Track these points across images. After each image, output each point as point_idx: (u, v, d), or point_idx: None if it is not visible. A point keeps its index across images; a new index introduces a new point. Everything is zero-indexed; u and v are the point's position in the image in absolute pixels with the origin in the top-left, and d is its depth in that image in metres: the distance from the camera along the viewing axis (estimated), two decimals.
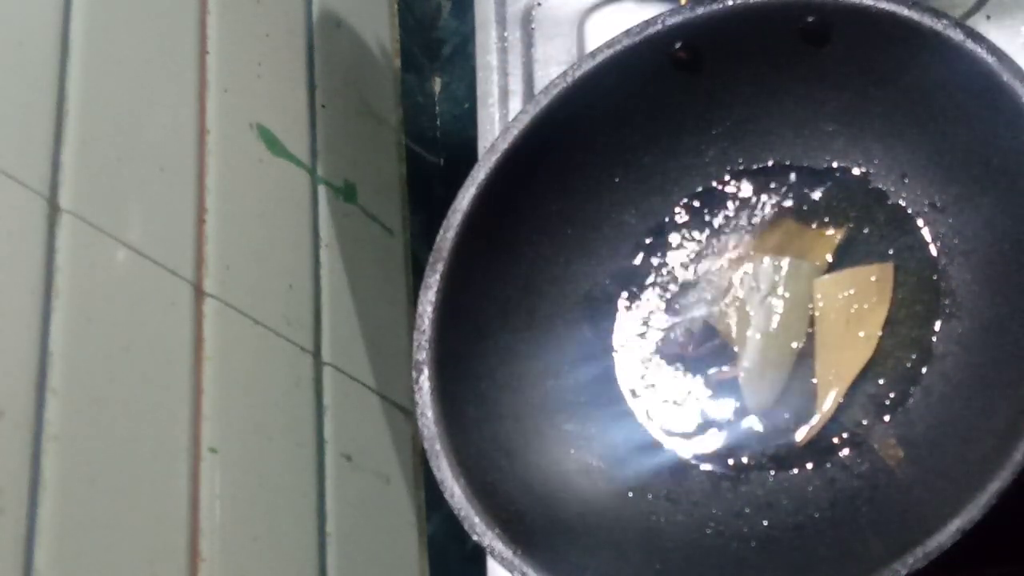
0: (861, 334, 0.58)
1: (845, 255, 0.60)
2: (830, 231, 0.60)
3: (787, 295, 0.60)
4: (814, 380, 0.58)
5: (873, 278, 0.59)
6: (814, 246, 0.60)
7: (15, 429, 0.47)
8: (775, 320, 0.60)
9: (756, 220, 0.62)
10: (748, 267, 0.61)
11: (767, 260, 0.61)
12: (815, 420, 0.57)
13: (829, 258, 0.60)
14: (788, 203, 0.62)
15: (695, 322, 0.62)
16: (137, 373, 0.53)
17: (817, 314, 0.59)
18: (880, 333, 0.58)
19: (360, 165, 0.75)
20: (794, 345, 0.59)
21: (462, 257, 0.59)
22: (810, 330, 0.59)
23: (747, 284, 0.61)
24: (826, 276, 0.60)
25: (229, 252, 0.61)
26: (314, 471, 0.63)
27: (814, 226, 0.61)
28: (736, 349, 0.60)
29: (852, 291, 0.59)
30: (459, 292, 0.59)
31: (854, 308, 0.58)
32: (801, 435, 0.57)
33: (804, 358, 0.59)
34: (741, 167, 0.63)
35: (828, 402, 0.57)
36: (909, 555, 0.46)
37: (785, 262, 0.60)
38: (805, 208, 0.62)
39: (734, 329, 0.61)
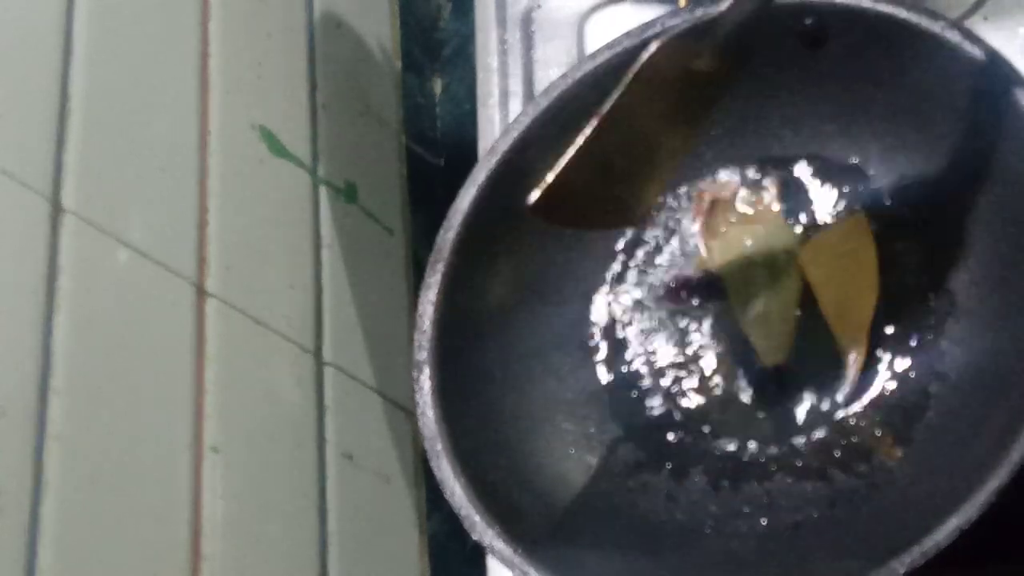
0: (860, 283, 0.58)
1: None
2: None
3: (768, 257, 0.61)
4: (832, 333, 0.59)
5: (849, 231, 0.59)
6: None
7: (17, 428, 0.47)
8: (767, 282, 0.60)
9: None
10: (726, 241, 0.62)
11: (734, 235, 0.62)
12: (852, 373, 0.57)
13: (776, 207, 0.60)
14: (788, 202, 0.62)
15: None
16: (139, 373, 0.53)
17: (812, 280, 0.60)
18: (877, 276, 0.58)
19: (361, 165, 0.75)
20: (794, 297, 0.59)
21: (462, 257, 0.59)
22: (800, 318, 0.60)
23: (723, 259, 0.62)
24: (806, 244, 0.60)
25: (230, 252, 0.61)
26: (315, 471, 0.63)
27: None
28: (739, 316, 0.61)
29: (835, 248, 0.59)
30: (459, 292, 0.59)
31: (844, 262, 0.59)
32: (843, 393, 0.58)
33: (817, 325, 0.59)
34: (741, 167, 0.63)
35: (858, 351, 0.57)
36: (907, 554, 0.47)
37: (754, 230, 0.61)
38: (804, 207, 0.62)
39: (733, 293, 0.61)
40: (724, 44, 0.51)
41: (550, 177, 0.49)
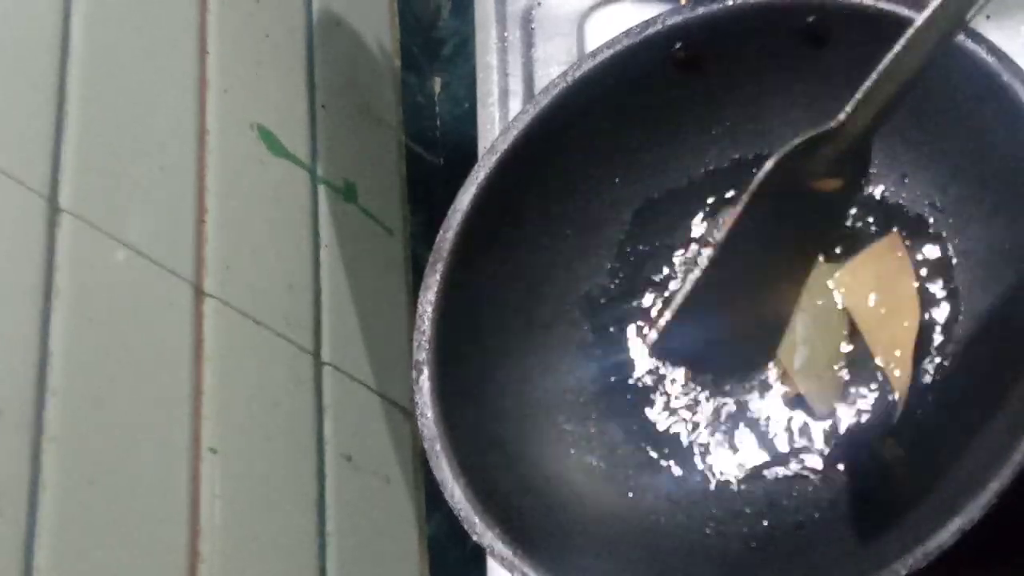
0: (900, 304, 0.57)
1: (849, 255, 0.60)
2: None
3: (812, 302, 0.59)
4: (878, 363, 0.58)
5: (884, 251, 0.59)
6: None
7: (15, 429, 0.47)
8: (812, 329, 0.59)
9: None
10: None
11: None
12: (898, 398, 0.57)
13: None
14: None
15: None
16: (137, 373, 0.53)
17: (850, 307, 0.59)
18: (916, 295, 0.57)
19: (360, 165, 0.75)
20: (840, 344, 0.58)
21: (462, 257, 0.59)
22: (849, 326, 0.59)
23: None
24: (842, 269, 0.60)
25: (229, 252, 0.61)
26: (314, 471, 0.63)
27: None
28: (785, 368, 0.60)
29: (871, 271, 0.59)
30: (459, 292, 0.59)
31: (881, 285, 0.58)
32: (893, 415, 0.57)
33: (859, 352, 0.58)
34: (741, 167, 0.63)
35: (902, 379, 0.57)
36: (909, 555, 0.46)
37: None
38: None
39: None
40: (844, 157, 0.48)
41: (667, 316, 0.46)
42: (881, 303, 0.58)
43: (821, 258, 0.59)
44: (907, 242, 0.59)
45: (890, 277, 0.58)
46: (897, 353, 0.57)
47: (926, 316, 0.57)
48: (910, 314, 0.57)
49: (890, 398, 0.57)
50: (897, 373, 0.57)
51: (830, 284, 0.59)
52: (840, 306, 0.59)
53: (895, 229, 0.59)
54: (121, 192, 0.55)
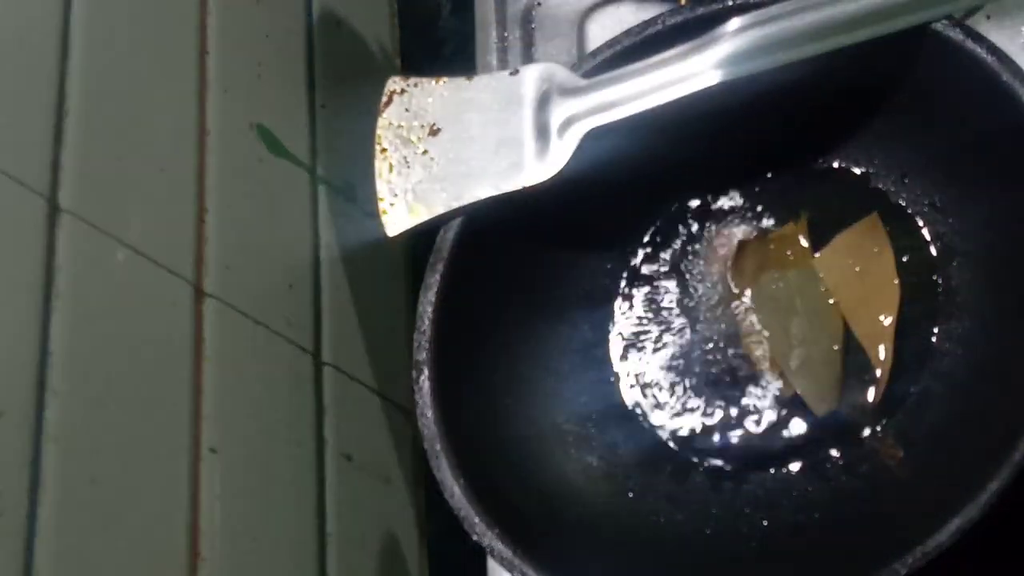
0: (880, 283, 0.58)
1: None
2: (792, 225, 0.61)
3: (806, 303, 0.60)
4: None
5: (864, 232, 0.59)
6: (788, 247, 0.61)
7: (15, 430, 0.47)
8: (807, 330, 0.59)
9: (759, 222, 0.63)
10: (747, 297, 0.61)
11: (767, 284, 0.61)
12: (879, 377, 0.57)
13: (805, 243, 0.60)
14: (788, 203, 0.62)
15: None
16: (137, 373, 0.53)
17: (831, 286, 0.59)
18: (896, 274, 0.58)
19: (360, 165, 0.75)
20: (836, 344, 0.59)
21: (462, 257, 0.59)
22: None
23: (760, 311, 0.61)
24: (822, 252, 0.60)
25: (229, 252, 0.61)
26: (314, 471, 0.63)
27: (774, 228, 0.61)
28: (781, 370, 0.60)
29: (851, 252, 0.59)
30: (459, 292, 0.59)
31: (861, 266, 0.59)
32: (872, 396, 0.57)
33: (856, 351, 0.59)
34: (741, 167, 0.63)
35: (883, 356, 0.57)
36: (909, 555, 0.47)
37: (787, 276, 0.60)
38: (805, 208, 0.62)
39: (769, 356, 0.60)
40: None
41: None
42: (862, 282, 0.59)
43: (804, 259, 0.60)
44: (905, 240, 0.59)
45: (870, 257, 0.59)
46: (879, 332, 0.57)
47: (926, 316, 0.58)
48: (890, 293, 0.58)
49: (878, 379, 0.57)
50: (880, 352, 0.57)
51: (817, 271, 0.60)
52: (842, 320, 0.59)
53: (875, 212, 0.59)
54: (121, 192, 0.55)
